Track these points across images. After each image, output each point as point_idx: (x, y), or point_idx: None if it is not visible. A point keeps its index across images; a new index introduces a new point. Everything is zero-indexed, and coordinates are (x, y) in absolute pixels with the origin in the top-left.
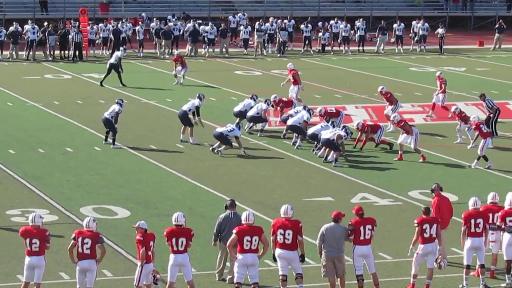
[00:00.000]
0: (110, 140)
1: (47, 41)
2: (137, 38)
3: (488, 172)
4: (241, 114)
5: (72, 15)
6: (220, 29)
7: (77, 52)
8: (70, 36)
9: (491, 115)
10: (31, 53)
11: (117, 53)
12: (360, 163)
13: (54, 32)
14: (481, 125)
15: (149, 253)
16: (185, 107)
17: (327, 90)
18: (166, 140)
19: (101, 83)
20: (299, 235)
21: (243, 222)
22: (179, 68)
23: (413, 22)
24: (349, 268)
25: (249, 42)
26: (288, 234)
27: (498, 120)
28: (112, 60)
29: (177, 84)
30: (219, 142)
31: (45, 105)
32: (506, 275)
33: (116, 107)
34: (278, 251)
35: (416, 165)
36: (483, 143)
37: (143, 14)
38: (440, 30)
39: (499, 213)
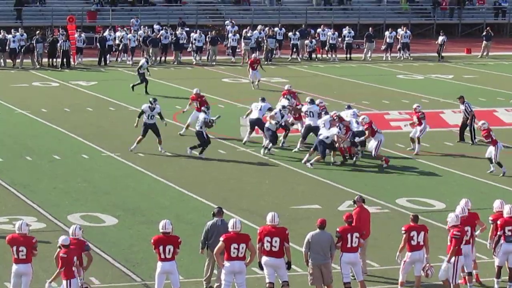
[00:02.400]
0: (196, 152)
1: (35, 48)
2: (129, 45)
3: (476, 179)
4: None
5: (60, 23)
6: (210, 36)
7: (64, 60)
8: (58, 44)
9: (465, 120)
10: (17, 61)
11: (142, 62)
12: (347, 170)
13: (42, 39)
14: (491, 132)
15: (74, 268)
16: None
17: (314, 98)
18: (154, 147)
19: (132, 87)
20: (286, 242)
21: (230, 229)
22: (253, 72)
23: (399, 30)
24: (336, 276)
25: (237, 50)
26: (275, 242)
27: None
28: (141, 71)
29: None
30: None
31: (33, 113)
32: (508, 283)
33: (201, 116)
34: (264, 258)
35: (404, 173)
36: (495, 150)
37: (137, 21)
38: (440, 38)
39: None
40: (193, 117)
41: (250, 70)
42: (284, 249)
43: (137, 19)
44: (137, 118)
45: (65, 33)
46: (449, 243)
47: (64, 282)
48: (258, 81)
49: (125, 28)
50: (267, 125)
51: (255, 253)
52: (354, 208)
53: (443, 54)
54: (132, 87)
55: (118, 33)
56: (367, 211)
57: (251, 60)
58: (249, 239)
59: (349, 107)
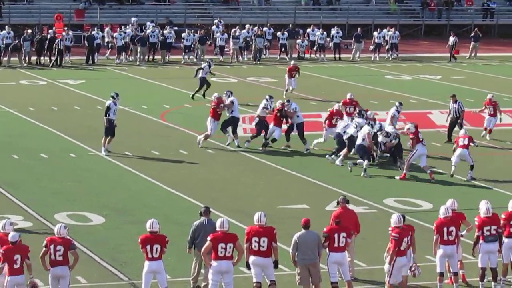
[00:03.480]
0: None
1: (22, 47)
2: (116, 44)
3: (464, 180)
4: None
5: (48, 21)
6: (198, 36)
7: (58, 58)
8: (54, 43)
9: (454, 119)
10: (4, 59)
11: (203, 66)
12: (335, 170)
13: (30, 38)
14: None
15: (15, 266)
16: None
17: (302, 98)
18: (142, 146)
19: (192, 96)
20: (274, 242)
21: (217, 229)
22: (291, 79)
23: (384, 30)
24: (324, 276)
25: (225, 49)
26: (263, 242)
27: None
28: (200, 75)
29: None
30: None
31: (20, 111)
32: (493, 283)
33: (352, 127)
34: (252, 258)
35: (391, 173)
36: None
37: (133, 19)
38: (451, 39)
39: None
40: (215, 126)
41: (287, 77)
42: (271, 248)
43: (136, 17)
44: (104, 117)
45: (55, 31)
46: (389, 244)
47: (7, 277)
48: (292, 89)
49: (128, 27)
50: (360, 142)
51: (243, 253)
52: (337, 209)
53: (454, 55)
54: (192, 96)
55: (116, 33)
56: (351, 211)
57: (290, 67)
58: (237, 238)
59: (399, 104)
